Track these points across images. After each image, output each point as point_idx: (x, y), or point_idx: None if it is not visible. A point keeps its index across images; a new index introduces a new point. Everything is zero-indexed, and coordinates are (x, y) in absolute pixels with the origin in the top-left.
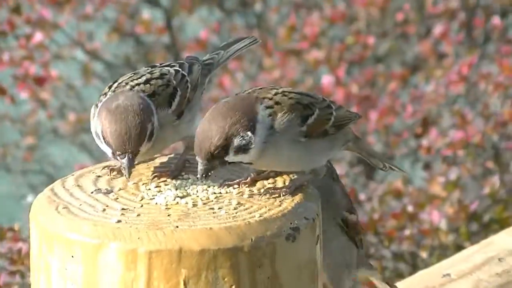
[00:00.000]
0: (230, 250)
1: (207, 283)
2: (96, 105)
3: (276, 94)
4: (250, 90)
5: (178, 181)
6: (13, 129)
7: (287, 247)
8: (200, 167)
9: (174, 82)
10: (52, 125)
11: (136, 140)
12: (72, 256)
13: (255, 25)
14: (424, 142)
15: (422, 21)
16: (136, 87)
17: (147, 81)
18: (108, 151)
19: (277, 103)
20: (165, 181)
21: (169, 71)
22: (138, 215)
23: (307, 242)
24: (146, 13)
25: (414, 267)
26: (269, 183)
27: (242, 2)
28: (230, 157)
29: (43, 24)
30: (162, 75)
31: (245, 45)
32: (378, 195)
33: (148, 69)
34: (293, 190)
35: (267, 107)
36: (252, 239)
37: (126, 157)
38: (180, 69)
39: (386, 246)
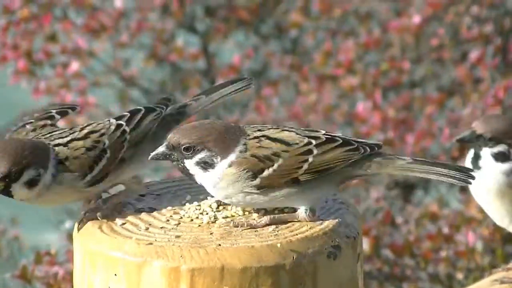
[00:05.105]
0: (272, 268)
1: None
2: None
3: (253, 137)
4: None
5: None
6: None
7: (328, 265)
8: (159, 147)
9: (106, 142)
10: None
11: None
12: (115, 275)
13: (291, 50)
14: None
15: (457, 46)
16: (56, 148)
17: (68, 142)
18: None
19: (245, 150)
20: (207, 200)
21: (109, 126)
22: (181, 233)
23: (348, 260)
24: (181, 40)
25: None
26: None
27: (278, 27)
28: (189, 163)
29: (79, 53)
30: (89, 134)
31: (237, 90)
32: (415, 218)
33: (84, 125)
34: (261, 225)
35: (243, 145)
36: (293, 257)
37: None
38: (123, 123)
39: (423, 268)
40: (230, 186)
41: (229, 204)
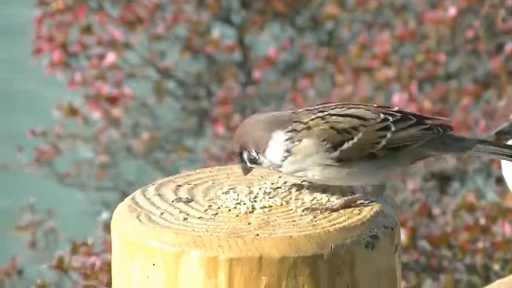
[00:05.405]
0: (310, 257)
1: None
2: None
3: (316, 118)
4: (298, 110)
5: (258, 191)
6: (86, 147)
7: (366, 255)
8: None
9: None
10: (126, 143)
11: None
12: (154, 264)
13: (326, 42)
14: None
15: (492, 38)
16: None
17: None
18: None
19: (308, 127)
20: (245, 190)
21: None
22: (219, 223)
23: (386, 251)
24: (217, 31)
25: (487, 280)
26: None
27: (314, 19)
28: (248, 164)
29: (115, 44)
30: None
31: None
32: (452, 209)
33: None
34: (337, 208)
35: (288, 132)
36: (331, 247)
37: None
38: None
39: (460, 259)
40: (307, 158)
41: (271, 197)
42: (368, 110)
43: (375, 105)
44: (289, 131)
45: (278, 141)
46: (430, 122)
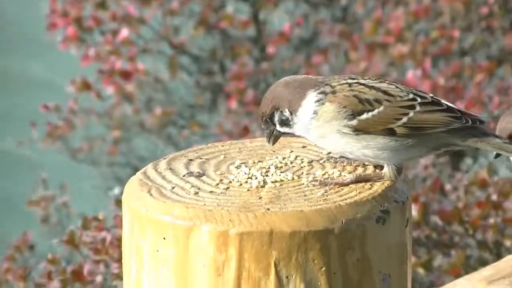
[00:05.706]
0: (321, 232)
1: (298, 265)
2: None
3: (342, 84)
4: (325, 77)
5: (270, 165)
6: (99, 123)
7: (377, 230)
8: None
9: None
10: (139, 118)
11: None
12: (164, 238)
13: (341, 18)
14: None
15: (507, 15)
16: None
17: None
18: None
19: (333, 92)
20: (256, 164)
21: None
22: (230, 197)
23: (397, 225)
24: (231, 7)
25: (498, 256)
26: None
27: None
28: (278, 127)
29: (129, 20)
30: None
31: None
32: (464, 185)
33: None
34: (348, 182)
35: (319, 93)
36: (342, 222)
37: None
38: None
39: (471, 235)
40: (326, 124)
41: (282, 171)
42: (399, 88)
43: (412, 88)
44: (320, 93)
45: (309, 101)
46: (463, 113)
